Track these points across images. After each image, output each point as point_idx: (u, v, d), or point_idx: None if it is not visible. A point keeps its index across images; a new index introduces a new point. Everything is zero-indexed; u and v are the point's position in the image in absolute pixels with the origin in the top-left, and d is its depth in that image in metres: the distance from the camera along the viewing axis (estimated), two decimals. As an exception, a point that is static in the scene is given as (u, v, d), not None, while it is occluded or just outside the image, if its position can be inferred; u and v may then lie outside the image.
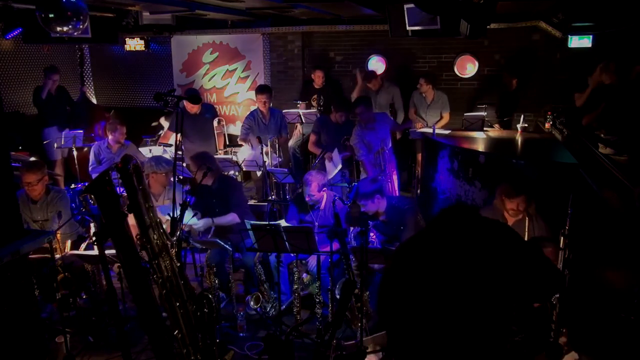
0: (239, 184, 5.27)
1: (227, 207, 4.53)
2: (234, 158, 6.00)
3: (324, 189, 4.47)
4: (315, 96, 7.39)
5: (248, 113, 6.55)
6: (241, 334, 4.00)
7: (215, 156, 5.78)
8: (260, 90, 6.29)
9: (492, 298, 1.73)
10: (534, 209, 3.83)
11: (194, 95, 5.96)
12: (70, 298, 3.89)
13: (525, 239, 3.80)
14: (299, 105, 7.06)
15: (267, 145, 5.80)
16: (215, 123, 6.39)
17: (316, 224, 4.46)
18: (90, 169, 5.97)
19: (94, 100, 9.37)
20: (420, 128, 6.59)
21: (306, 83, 7.89)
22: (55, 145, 6.50)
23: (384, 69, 7.61)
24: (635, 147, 4.47)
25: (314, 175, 4.43)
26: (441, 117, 6.75)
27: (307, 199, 4.40)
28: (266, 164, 5.66)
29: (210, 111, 6.50)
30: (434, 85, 6.75)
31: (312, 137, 6.32)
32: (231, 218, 4.48)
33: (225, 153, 6.32)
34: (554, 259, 3.47)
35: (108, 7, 6.79)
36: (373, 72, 7.12)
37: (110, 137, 5.87)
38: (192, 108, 6.09)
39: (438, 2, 4.50)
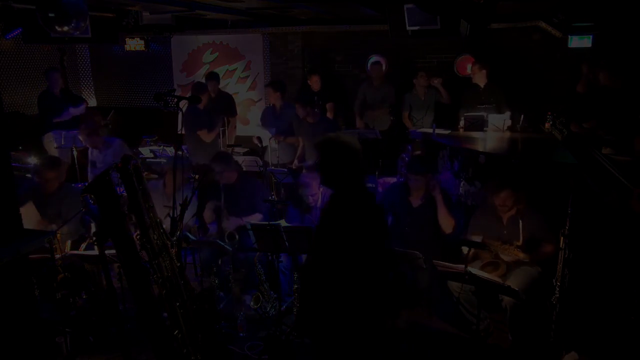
0: (263, 186, 5.31)
1: (253, 206, 4.65)
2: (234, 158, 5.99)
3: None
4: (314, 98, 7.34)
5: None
6: (241, 334, 4.00)
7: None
8: (274, 88, 6.36)
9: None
10: (524, 207, 3.83)
11: (195, 95, 5.95)
12: (70, 298, 3.89)
13: (520, 238, 3.80)
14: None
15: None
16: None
17: (318, 223, 4.48)
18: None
19: (94, 101, 9.37)
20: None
21: (304, 86, 7.73)
22: (55, 145, 6.49)
23: (384, 69, 7.61)
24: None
25: (309, 175, 4.50)
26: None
27: (310, 199, 4.43)
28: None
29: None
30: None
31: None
32: (260, 218, 4.61)
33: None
34: (553, 257, 3.47)
35: (108, 7, 6.79)
36: (379, 62, 7.15)
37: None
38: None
39: (438, 2, 4.51)
